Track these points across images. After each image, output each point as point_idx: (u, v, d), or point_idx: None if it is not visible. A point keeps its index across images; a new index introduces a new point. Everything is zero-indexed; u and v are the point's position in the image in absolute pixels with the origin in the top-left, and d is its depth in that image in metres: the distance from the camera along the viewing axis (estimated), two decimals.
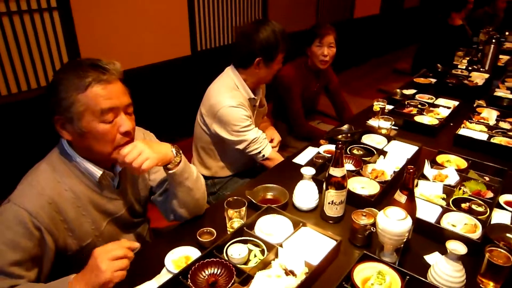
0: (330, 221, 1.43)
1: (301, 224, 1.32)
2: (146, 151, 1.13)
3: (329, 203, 1.39)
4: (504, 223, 1.38)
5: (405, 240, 1.15)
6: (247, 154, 1.94)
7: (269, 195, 1.56)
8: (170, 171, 1.26)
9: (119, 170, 1.25)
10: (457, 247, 1.08)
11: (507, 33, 4.59)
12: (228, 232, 1.36)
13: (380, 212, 1.18)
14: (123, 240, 1.05)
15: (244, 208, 1.34)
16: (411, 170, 1.18)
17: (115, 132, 1.12)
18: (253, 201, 1.47)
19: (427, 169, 1.66)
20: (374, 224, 1.25)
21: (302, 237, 1.29)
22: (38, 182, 1.09)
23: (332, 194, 1.37)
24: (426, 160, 1.70)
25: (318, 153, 1.90)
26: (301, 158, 1.90)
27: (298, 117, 2.58)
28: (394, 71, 5.47)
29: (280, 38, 1.88)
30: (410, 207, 1.21)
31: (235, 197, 1.39)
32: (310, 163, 1.81)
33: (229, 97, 1.86)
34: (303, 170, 1.46)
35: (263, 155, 1.95)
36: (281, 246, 1.23)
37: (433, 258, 1.26)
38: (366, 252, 1.17)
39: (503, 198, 1.54)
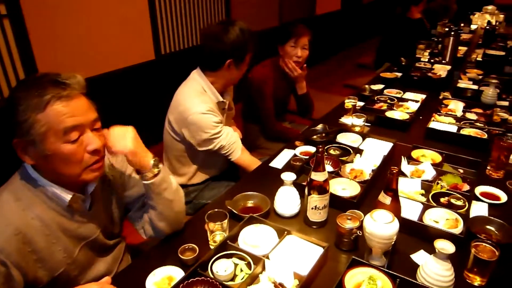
0: (314, 226, 1.40)
1: (285, 232, 1.28)
2: (129, 139, 1.15)
3: (312, 208, 1.36)
4: (483, 215, 1.41)
5: (393, 242, 1.14)
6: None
7: (250, 203, 1.52)
8: (148, 181, 1.20)
9: (90, 190, 1.16)
10: (445, 246, 1.07)
11: (462, 25, 4.76)
12: (211, 247, 1.30)
13: (366, 216, 1.16)
14: (105, 283, 0.97)
15: (226, 221, 1.28)
16: (394, 171, 1.17)
17: (82, 151, 1.04)
18: (234, 211, 1.42)
19: (404, 166, 1.67)
20: (360, 228, 1.23)
21: (288, 246, 1.25)
22: (1, 215, 0.99)
23: (315, 199, 1.34)
24: (402, 157, 1.71)
25: (295, 155, 1.87)
26: (278, 162, 1.86)
27: (270, 118, 2.54)
28: (358, 65, 5.57)
29: (248, 37, 1.84)
30: (395, 207, 1.20)
31: (216, 210, 1.33)
32: (288, 166, 1.78)
33: (198, 103, 1.80)
34: (284, 176, 1.42)
35: (230, 159, 1.91)
36: (267, 257, 1.18)
37: (420, 257, 1.26)
38: (355, 258, 1.15)
39: (478, 190, 1.57)
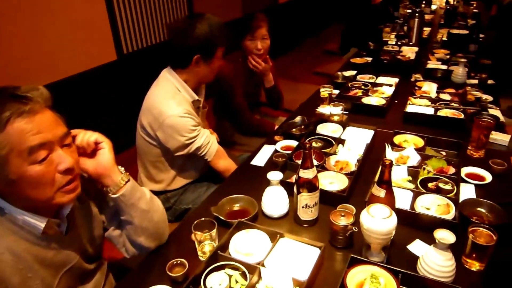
0: (306, 225, 1.35)
1: (278, 235, 1.22)
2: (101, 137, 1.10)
3: (303, 207, 1.30)
4: (472, 198, 1.40)
5: (392, 237, 1.10)
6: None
7: (236, 207, 1.44)
8: (117, 194, 1.11)
9: (66, 213, 1.04)
10: (445, 236, 1.05)
11: (423, 5, 4.83)
12: (200, 259, 1.22)
13: (363, 212, 1.11)
14: None
15: (215, 230, 1.20)
16: (386, 163, 1.12)
17: (52, 172, 0.92)
18: (221, 217, 1.34)
19: (389, 153, 1.64)
20: (354, 223, 1.19)
21: (282, 250, 1.18)
22: None
23: (305, 197, 1.28)
24: (386, 144, 1.68)
25: (276, 151, 1.81)
26: (259, 159, 1.79)
27: (244, 113, 2.46)
28: (325, 52, 5.55)
29: (218, 31, 1.73)
30: (390, 200, 1.16)
31: (203, 219, 1.24)
32: (271, 163, 1.72)
33: (174, 105, 1.69)
34: (270, 176, 1.35)
35: (206, 159, 1.82)
36: (262, 265, 1.12)
37: (417, 247, 1.23)
38: (353, 256, 1.10)
39: (463, 171, 1.56)
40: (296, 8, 5.78)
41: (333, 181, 1.51)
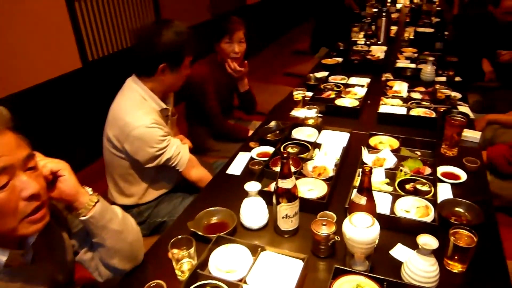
0: (286, 235, 1.31)
1: (259, 249, 1.18)
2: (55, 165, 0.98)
3: (283, 217, 1.26)
4: (450, 198, 1.41)
5: (375, 245, 1.08)
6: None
7: (214, 220, 1.39)
8: (86, 216, 1.03)
9: (32, 241, 0.96)
10: (428, 241, 1.04)
11: (388, 4, 4.92)
12: (179, 279, 1.16)
13: (345, 222, 1.08)
14: None
15: (193, 248, 1.15)
16: (366, 170, 1.10)
17: (15, 199, 0.84)
18: (199, 233, 1.28)
19: (366, 156, 1.63)
20: (337, 232, 1.16)
21: (264, 264, 1.14)
22: None
23: (285, 208, 1.24)
24: (362, 147, 1.67)
25: (252, 158, 1.77)
26: (235, 168, 1.74)
27: (216, 117, 2.41)
28: (294, 52, 5.56)
29: (185, 39, 1.67)
30: (371, 207, 1.14)
31: (179, 236, 1.18)
32: (247, 172, 1.67)
33: (142, 115, 1.62)
34: (248, 187, 1.31)
35: (179, 169, 1.76)
36: (245, 282, 1.07)
37: (399, 252, 1.22)
38: (337, 266, 1.08)
39: (439, 171, 1.57)
40: (264, 9, 5.76)
41: (311, 187, 1.49)
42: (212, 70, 2.36)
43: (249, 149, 1.86)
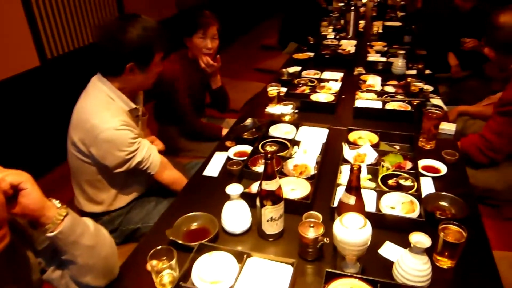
0: (271, 239, 1.25)
1: (245, 256, 1.11)
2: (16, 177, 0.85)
3: (267, 220, 1.20)
4: (433, 192, 1.40)
5: (367, 246, 1.04)
6: None
7: (194, 226, 1.31)
8: (54, 232, 0.92)
9: None
10: (421, 239, 1.01)
11: None
12: None
13: (336, 223, 1.04)
14: None
15: (174, 260, 1.06)
16: (355, 169, 1.06)
17: None
18: (179, 241, 1.20)
19: (346, 152, 1.60)
20: (325, 234, 1.12)
21: (251, 272, 1.08)
22: None
23: (269, 211, 1.18)
24: (343, 144, 1.63)
25: (229, 158, 1.70)
26: (212, 169, 1.66)
27: (189, 116, 2.31)
28: (263, 47, 5.49)
29: (154, 36, 1.55)
30: (360, 206, 1.10)
31: (159, 247, 1.10)
32: (225, 173, 1.60)
33: (109, 117, 1.50)
34: (229, 190, 1.24)
35: (150, 172, 1.67)
36: None
37: (388, 251, 1.19)
38: (329, 270, 1.03)
39: (420, 165, 1.56)
40: (231, 3, 5.65)
41: (294, 187, 1.43)
42: (183, 67, 2.25)
43: (225, 149, 1.78)
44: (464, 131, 2.30)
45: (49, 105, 3.04)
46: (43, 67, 2.96)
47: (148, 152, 1.63)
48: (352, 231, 0.99)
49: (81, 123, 1.53)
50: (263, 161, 1.59)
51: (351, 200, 1.08)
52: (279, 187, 1.18)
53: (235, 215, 1.25)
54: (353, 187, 1.08)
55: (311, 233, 1.12)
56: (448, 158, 1.59)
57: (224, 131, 2.34)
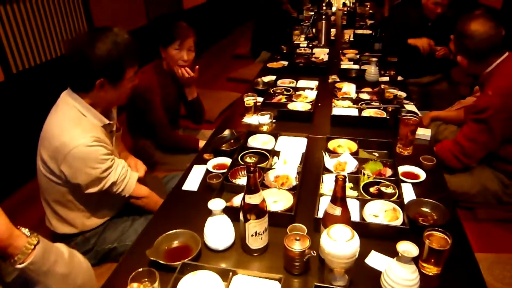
0: (256, 254, 1.22)
1: (230, 273, 1.07)
2: None
3: (252, 235, 1.17)
4: (414, 198, 1.40)
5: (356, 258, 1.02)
6: None
7: (175, 244, 1.25)
8: (24, 263, 0.85)
9: None
10: (408, 248, 1.00)
11: (324, 8, 5.04)
12: None
13: (323, 236, 1.02)
14: None
15: (157, 282, 1.01)
16: (340, 180, 1.04)
17: None
18: (160, 262, 1.14)
19: (327, 161, 1.59)
20: (311, 247, 1.09)
21: None
22: None
23: (254, 225, 1.15)
24: (323, 152, 1.63)
25: (208, 171, 1.66)
26: (191, 183, 1.61)
27: (164, 129, 2.26)
28: (234, 56, 5.49)
29: (125, 50, 1.47)
30: (346, 217, 1.09)
31: (140, 270, 1.04)
32: (205, 186, 1.56)
33: (80, 133, 1.43)
34: (212, 205, 1.20)
35: (125, 195, 1.60)
36: None
37: (374, 260, 1.18)
38: (317, 284, 1.00)
39: (399, 171, 1.57)
40: (201, 13, 5.64)
41: (276, 199, 1.41)
42: (158, 78, 2.20)
43: (204, 162, 1.74)
44: (437, 136, 2.35)
45: (16, 120, 2.90)
46: (8, 81, 2.82)
47: (123, 173, 1.56)
48: (340, 244, 0.97)
49: (50, 141, 1.45)
50: (244, 173, 1.59)
51: (337, 211, 1.07)
52: (263, 200, 1.15)
53: (218, 231, 1.21)
54: (339, 198, 1.07)
55: (297, 247, 1.09)
56: (426, 163, 1.61)
57: (201, 143, 2.29)
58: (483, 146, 1.80)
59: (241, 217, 1.17)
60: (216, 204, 1.20)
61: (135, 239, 1.34)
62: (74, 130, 1.43)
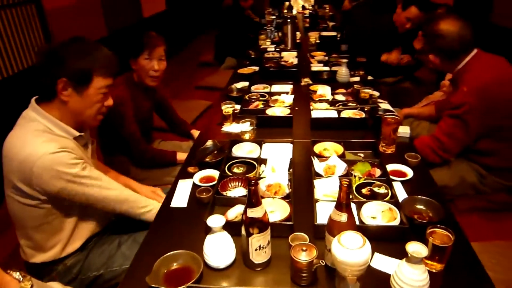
0: (259, 268, 1.18)
1: None
2: None
3: (256, 249, 1.13)
4: (408, 196, 1.42)
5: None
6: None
7: (175, 266, 1.18)
8: None
9: None
10: (417, 249, 1.00)
11: (285, 11, 5.09)
12: None
13: (334, 243, 0.99)
14: None
15: None
16: (345, 185, 1.03)
17: None
18: None
19: (317, 165, 1.58)
20: (319, 256, 1.07)
21: None
22: None
23: (257, 239, 1.11)
24: (312, 157, 1.62)
25: (196, 185, 1.60)
26: (179, 199, 1.54)
27: (138, 143, 2.16)
28: (200, 64, 5.41)
29: (97, 56, 1.41)
30: (352, 222, 1.07)
31: None
32: (195, 201, 1.50)
33: (42, 143, 1.32)
34: (211, 222, 1.15)
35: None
36: None
37: (379, 262, 1.17)
38: None
39: (388, 170, 1.59)
40: (162, 21, 5.51)
41: (272, 209, 1.38)
42: (129, 90, 2.11)
43: (189, 175, 1.68)
44: (411, 133, 2.42)
45: None
46: None
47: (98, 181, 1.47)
48: (353, 251, 0.96)
49: (13, 158, 1.33)
50: (234, 184, 1.55)
51: (343, 217, 1.05)
52: (265, 213, 1.12)
53: (220, 249, 1.16)
54: (344, 204, 1.05)
55: (305, 257, 1.07)
56: (411, 160, 1.64)
57: (179, 155, 2.22)
58: (459, 141, 1.86)
59: (243, 232, 1.13)
60: (215, 220, 1.15)
61: (128, 264, 1.26)
62: (36, 140, 1.33)
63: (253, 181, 1.06)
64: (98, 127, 2.24)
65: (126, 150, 2.20)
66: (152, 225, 1.44)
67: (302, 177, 1.58)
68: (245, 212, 1.10)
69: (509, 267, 1.48)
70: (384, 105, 2.22)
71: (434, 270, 1.14)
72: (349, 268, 0.97)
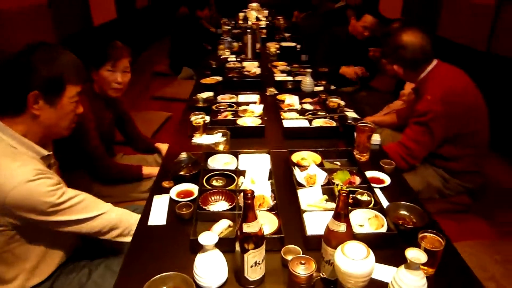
0: (252, 286, 1.13)
1: None
2: None
3: (251, 266, 1.08)
4: (389, 204, 1.44)
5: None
6: None
7: None
8: None
9: None
10: (417, 255, 1.01)
11: (240, 22, 5.09)
12: None
13: (337, 254, 0.97)
14: None
15: None
16: (343, 195, 1.02)
17: None
18: None
19: (298, 175, 1.57)
20: (318, 269, 1.05)
21: None
22: None
23: (253, 255, 1.07)
24: (293, 168, 1.60)
25: (173, 200, 1.52)
26: (156, 216, 1.45)
27: (102, 158, 2.03)
28: (154, 74, 5.24)
29: (67, 63, 1.31)
30: (350, 232, 1.06)
31: None
32: (177, 218, 1.42)
33: (17, 168, 1.19)
34: (203, 240, 1.08)
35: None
36: None
37: (375, 271, 1.17)
38: None
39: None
40: (113, 29, 5.29)
41: (262, 222, 1.33)
42: (89, 103, 1.97)
43: (164, 191, 1.59)
44: None
45: None
46: None
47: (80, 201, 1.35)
48: (358, 262, 0.94)
49: None
50: (215, 198, 1.49)
51: (342, 227, 1.04)
52: (261, 228, 1.07)
53: (212, 268, 1.10)
54: (342, 214, 1.04)
55: (304, 271, 1.03)
56: (387, 167, 1.67)
57: (144, 169, 2.12)
58: (425, 147, 1.94)
59: (237, 248, 1.08)
60: (207, 238, 1.09)
61: None
62: (8, 165, 1.19)
63: (249, 194, 1.02)
64: (54, 141, 2.08)
65: (87, 165, 2.05)
66: (130, 246, 1.33)
67: (284, 187, 1.56)
68: (240, 227, 1.05)
69: (487, 264, 1.55)
70: (351, 114, 2.27)
71: (426, 275, 1.16)
72: (353, 280, 0.96)
